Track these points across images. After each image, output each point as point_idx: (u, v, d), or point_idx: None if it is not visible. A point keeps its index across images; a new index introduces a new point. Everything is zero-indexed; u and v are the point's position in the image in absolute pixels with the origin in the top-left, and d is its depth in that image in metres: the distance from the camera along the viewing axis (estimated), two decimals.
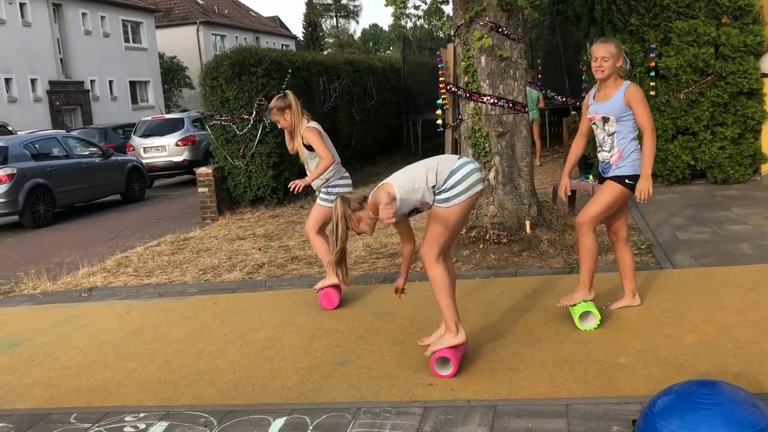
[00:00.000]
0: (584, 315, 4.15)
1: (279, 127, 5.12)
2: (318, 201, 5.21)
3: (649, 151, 4.00)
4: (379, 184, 3.67)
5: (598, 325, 4.11)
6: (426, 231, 3.67)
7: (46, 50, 28.14)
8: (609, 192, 4.11)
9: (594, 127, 4.26)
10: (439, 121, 7.38)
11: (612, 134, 4.13)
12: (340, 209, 3.62)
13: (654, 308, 4.36)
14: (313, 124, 5.09)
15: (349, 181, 5.28)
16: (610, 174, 4.15)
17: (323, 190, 5.16)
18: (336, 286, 5.12)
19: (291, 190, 5.21)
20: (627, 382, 3.38)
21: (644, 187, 4.03)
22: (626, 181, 4.08)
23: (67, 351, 4.74)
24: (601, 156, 4.24)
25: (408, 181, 3.59)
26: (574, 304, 4.19)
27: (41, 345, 4.93)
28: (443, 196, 3.55)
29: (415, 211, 3.73)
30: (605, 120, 4.14)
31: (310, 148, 5.05)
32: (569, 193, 4.45)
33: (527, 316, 4.48)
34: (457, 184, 3.53)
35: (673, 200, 7.71)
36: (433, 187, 3.57)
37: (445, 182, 3.54)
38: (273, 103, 5.08)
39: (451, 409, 3.29)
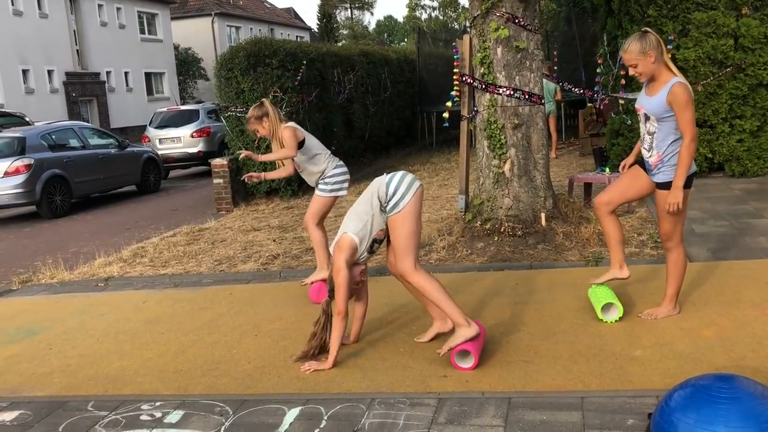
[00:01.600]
0: (607, 306, 4.12)
1: (258, 135, 5.12)
2: (317, 192, 5.23)
3: (686, 160, 3.74)
4: (338, 236, 3.84)
5: (620, 317, 4.08)
6: (394, 246, 3.80)
7: (62, 42, 28.32)
8: (665, 202, 3.90)
9: (638, 118, 4.03)
10: (446, 114, 7.35)
11: (652, 134, 3.89)
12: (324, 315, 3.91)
13: None
14: (290, 124, 5.10)
15: (345, 169, 5.28)
16: (654, 179, 3.95)
17: (320, 183, 5.17)
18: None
19: (245, 180, 5.33)
20: (642, 376, 3.37)
21: (674, 199, 3.81)
22: None
23: (84, 340, 4.79)
24: (642, 152, 4.01)
25: (358, 221, 3.81)
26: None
27: (59, 333, 4.99)
28: (392, 203, 3.73)
29: (375, 242, 3.86)
30: (647, 117, 3.90)
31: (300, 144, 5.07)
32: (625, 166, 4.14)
33: (542, 308, 4.46)
34: (397, 188, 3.73)
35: (689, 193, 7.63)
36: (380, 206, 3.77)
37: (386, 194, 3.74)
38: (250, 112, 5.11)
39: (465, 401, 3.29)
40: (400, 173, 3.84)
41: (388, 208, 3.76)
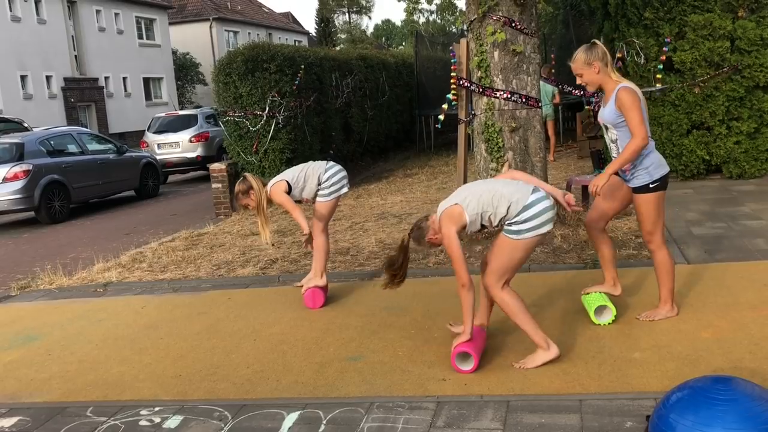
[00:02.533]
0: (600, 309, 4.13)
1: (250, 208, 5.14)
2: (318, 199, 5.19)
3: (627, 155, 3.78)
4: (449, 204, 3.64)
5: (614, 319, 4.10)
6: (491, 259, 3.64)
7: (60, 47, 28.34)
8: (643, 205, 3.94)
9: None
10: (441, 116, 7.37)
11: (615, 141, 3.97)
12: (406, 244, 3.72)
13: None
14: (270, 185, 5.09)
15: (338, 167, 5.24)
16: (630, 185, 3.98)
17: (319, 192, 5.15)
18: (322, 288, 5.14)
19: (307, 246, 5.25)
20: (641, 378, 3.38)
21: (598, 182, 3.84)
22: (650, 186, 3.90)
23: (84, 345, 4.79)
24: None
25: (477, 206, 3.55)
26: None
27: (58, 339, 4.99)
28: (514, 228, 3.51)
29: (481, 229, 3.68)
30: (606, 127, 4.00)
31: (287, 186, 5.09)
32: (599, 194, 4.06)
33: (541, 311, 4.46)
34: (530, 219, 3.48)
35: (687, 195, 7.66)
36: (504, 216, 3.52)
37: (517, 215, 3.48)
38: (237, 188, 5.15)
39: (464, 404, 3.30)
40: (546, 203, 3.51)
41: (506, 228, 3.54)
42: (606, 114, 3.95)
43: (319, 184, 5.13)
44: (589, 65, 3.89)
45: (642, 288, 4.70)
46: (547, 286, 5.00)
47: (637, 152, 3.80)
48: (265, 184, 5.12)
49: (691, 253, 5.44)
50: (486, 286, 3.67)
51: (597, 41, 3.99)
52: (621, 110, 3.81)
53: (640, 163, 3.89)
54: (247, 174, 5.19)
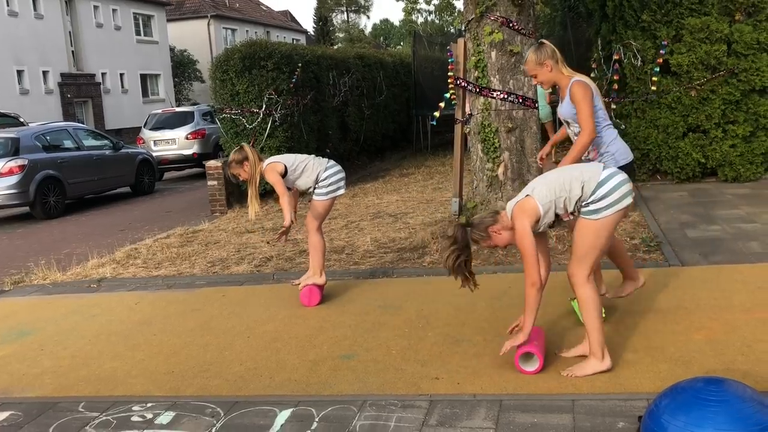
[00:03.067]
0: None
1: (240, 179, 5.10)
2: (314, 197, 5.15)
3: (575, 151, 3.83)
4: (519, 198, 3.46)
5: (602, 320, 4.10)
6: (573, 247, 3.47)
7: (58, 43, 28.30)
8: None
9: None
10: (437, 113, 7.38)
11: (577, 134, 3.99)
12: (460, 239, 3.42)
13: (662, 305, 4.35)
14: (268, 162, 5.06)
15: (338, 168, 5.20)
16: None
17: (316, 188, 5.12)
18: (319, 286, 5.13)
19: (279, 240, 5.18)
20: (633, 379, 3.38)
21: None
22: None
23: (76, 341, 4.78)
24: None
25: (549, 192, 3.38)
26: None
27: (51, 335, 4.98)
28: (591, 207, 3.33)
29: (557, 221, 3.49)
30: (567, 123, 4.05)
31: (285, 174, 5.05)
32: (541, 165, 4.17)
33: None
34: (606, 195, 3.31)
35: (682, 198, 7.68)
36: (579, 198, 3.36)
37: (593, 194, 3.32)
38: (231, 156, 5.11)
39: (456, 403, 3.30)
40: (620, 177, 3.35)
41: (584, 210, 3.35)
42: (564, 109, 4.01)
43: (317, 182, 5.11)
44: (541, 65, 3.94)
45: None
46: None
47: (586, 147, 3.88)
48: (261, 159, 5.09)
49: (686, 256, 5.45)
50: (570, 275, 3.46)
51: (545, 41, 4.04)
52: (573, 103, 3.87)
53: (606, 148, 3.96)
54: (244, 144, 5.16)
